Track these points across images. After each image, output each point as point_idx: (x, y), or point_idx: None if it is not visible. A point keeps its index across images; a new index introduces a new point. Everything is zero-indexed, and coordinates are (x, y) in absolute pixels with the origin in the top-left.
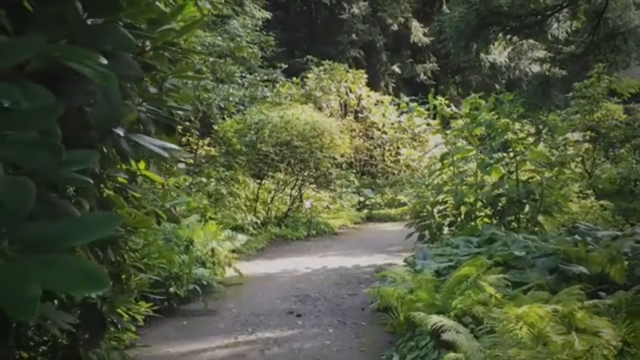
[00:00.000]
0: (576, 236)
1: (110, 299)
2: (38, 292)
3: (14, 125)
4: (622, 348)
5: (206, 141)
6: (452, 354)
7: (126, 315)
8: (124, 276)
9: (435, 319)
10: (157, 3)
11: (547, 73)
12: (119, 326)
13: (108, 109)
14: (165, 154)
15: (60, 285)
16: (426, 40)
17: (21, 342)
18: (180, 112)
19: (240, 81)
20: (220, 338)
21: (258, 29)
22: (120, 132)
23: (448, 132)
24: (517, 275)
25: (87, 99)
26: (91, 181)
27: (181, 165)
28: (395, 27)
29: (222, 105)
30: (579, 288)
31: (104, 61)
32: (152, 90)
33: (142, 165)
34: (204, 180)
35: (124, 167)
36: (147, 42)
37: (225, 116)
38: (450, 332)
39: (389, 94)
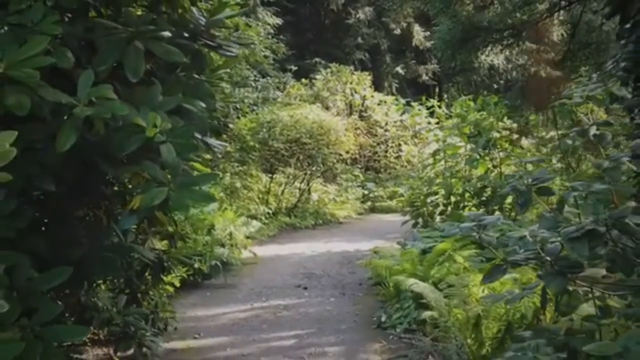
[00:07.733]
0: None
1: (167, 251)
2: (190, 204)
3: (174, 136)
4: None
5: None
6: (428, 312)
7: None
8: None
9: (412, 281)
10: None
11: (529, 76)
12: (172, 271)
13: (202, 126)
14: (221, 149)
15: (198, 201)
16: (427, 43)
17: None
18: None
19: (253, 84)
20: (239, 305)
21: (270, 36)
22: (198, 135)
23: (439, 131)
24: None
25: (192, 122)
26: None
27: None
28: (398, 31)
29: (237, 106)
30: None
31: (203, 104)
32: None
33: None
34: (220, 174)
35: None
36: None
37: (240, 116)
38: (419, 285)
39: (393, 94)
